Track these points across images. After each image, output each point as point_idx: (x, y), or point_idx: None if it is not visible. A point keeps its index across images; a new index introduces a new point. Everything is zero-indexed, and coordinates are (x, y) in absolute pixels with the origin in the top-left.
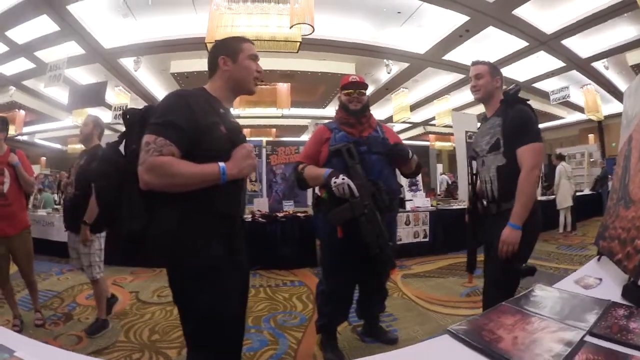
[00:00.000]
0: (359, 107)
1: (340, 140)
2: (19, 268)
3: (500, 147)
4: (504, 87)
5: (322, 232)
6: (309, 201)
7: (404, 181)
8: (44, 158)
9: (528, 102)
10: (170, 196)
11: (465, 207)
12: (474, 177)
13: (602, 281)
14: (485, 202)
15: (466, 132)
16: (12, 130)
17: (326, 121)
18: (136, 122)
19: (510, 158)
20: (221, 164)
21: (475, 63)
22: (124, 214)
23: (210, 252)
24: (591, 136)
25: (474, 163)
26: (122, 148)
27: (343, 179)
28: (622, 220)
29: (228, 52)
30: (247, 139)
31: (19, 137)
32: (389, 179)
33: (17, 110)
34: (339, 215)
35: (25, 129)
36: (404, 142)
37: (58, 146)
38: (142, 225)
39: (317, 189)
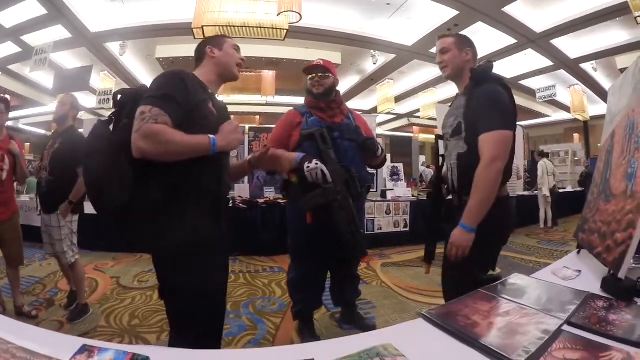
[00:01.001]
0: (322, 90)
1: (313, 124)
2: (6, 254)
3: (462, 132)
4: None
5: (291, 218)
6: None
7: (385, 172)
8: (28, 144)
9: (502, 80)
10: (157, 171)
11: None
12: (441, 159)
13: (581, 273)
14: (448, 190)
15: None
16: None
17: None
18: (129, 100)
19: (472, 145)
20: (211, 136)
21: (441, 36)
22: (114, 186)
23: (197, 227)
24: (576, 135)
25: (441, 144)
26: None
27: (317, 163)
28: (602, 214)
29: (214, 43)
30: None
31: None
32: (360, 167)
33: (2, 94)
34: (311, 201)
35: (10, 115)
36: (388, 132)
37: (42, 131)
38: (130, 196)
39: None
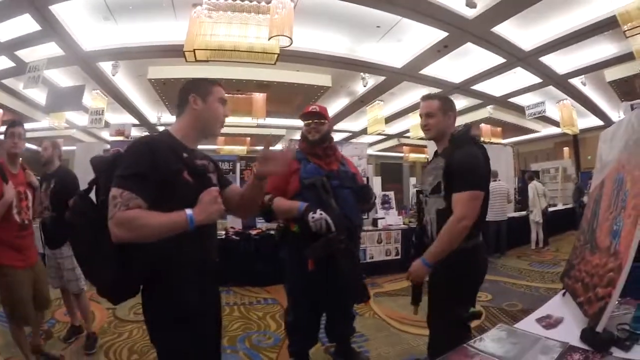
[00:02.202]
0: (317, 137)
1: (311, 172)
2: (37, 296)
3: (441, 191)
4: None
5: (290, 264)
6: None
7: (378, 199)
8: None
9: (478, 142)
10: (138, 247)
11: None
12: (421, 212)
13: (564, 320)
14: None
15: None
16: None
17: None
18: (103, 171)
19: (450, 202)
20: (188, 211)
21: (425, 98)
22: (97, 265)
23: (182, 299)
24: (566, 149)
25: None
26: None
27: (321, 214)
28: (587, 264)
29: (199, 91)
30: (222, 146)
31: None
32: (356, 212)
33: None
34: (317, 250)
35: (2, 129)
36: (378, 153)
37: (34, 147)
38: (113, 274)
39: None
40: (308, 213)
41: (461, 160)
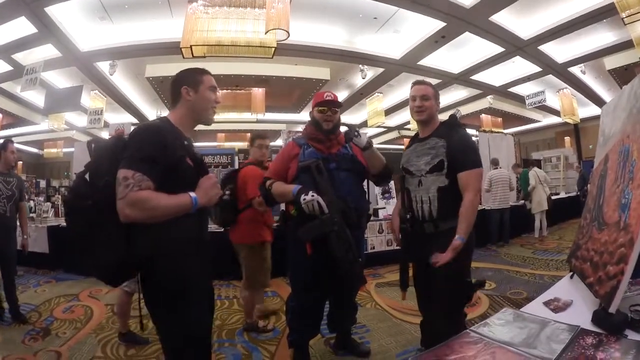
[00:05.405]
0: (331, 126)
1: (309, 156)
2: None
3: (444, 169)
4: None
5: (291, 249)
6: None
7: (376, 190)
8: (21, 162)
9: (466, 128)
10: (143, 227)
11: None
12: (405, 195)
13: (573, 303)
14: (416, 221)
15: None
16: None
17: (296, 136)
18: (105, 154)
19: (452, 179)
20: (192, 194)
21: (420, 83)
22: (99, 247)
23: (184, 272)
24: (567, 139)
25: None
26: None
27: (313, 195)
28: (594, 242)
29: (190, 83)
30: (223, 142)
31: None
32: (358, 196)
33: None
34: (309, 231)
35: (2, 133)
36: (379, 146)
37: (34, 150)
38: (117, 255)
39: (282, 205)
40: (300, 195)
41: (465, 141)
